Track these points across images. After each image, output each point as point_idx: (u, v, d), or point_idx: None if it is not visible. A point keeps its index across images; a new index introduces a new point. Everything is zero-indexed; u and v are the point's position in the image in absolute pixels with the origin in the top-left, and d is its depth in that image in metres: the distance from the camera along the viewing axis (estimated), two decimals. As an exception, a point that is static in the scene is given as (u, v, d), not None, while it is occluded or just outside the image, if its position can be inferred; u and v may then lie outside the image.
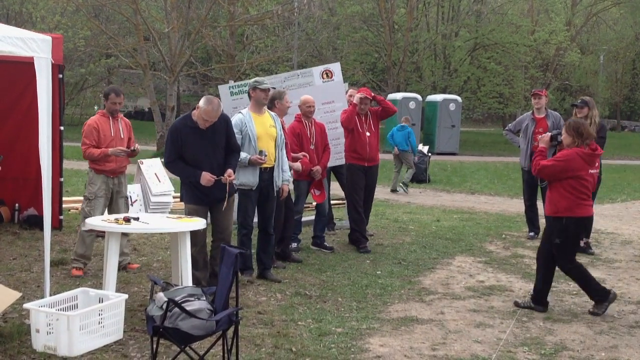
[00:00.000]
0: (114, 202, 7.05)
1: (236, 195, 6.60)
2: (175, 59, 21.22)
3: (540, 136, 6.72)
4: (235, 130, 6.49)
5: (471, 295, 6.63)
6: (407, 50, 33.42)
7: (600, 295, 6.07)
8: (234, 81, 10.54)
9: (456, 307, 6.23)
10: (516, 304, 6.24)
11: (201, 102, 5.93)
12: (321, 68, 9.33)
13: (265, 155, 6.57)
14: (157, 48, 21.89)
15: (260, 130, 6.68)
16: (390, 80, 33.50)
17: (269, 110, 6.98)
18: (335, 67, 9.30)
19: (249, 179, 6.60)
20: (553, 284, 7.06)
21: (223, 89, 9.21)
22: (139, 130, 36.97)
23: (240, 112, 6.85)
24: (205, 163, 6.07)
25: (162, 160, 9.97)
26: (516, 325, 5.73)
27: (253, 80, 6.96)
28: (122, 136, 7.03)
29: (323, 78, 9.14)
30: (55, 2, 24.48)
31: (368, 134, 8.48)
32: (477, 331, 5.56)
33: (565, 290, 6.90)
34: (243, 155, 6.53)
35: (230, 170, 6.13)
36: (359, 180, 8.51)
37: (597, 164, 6.24)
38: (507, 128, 9.86)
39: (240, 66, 25.75)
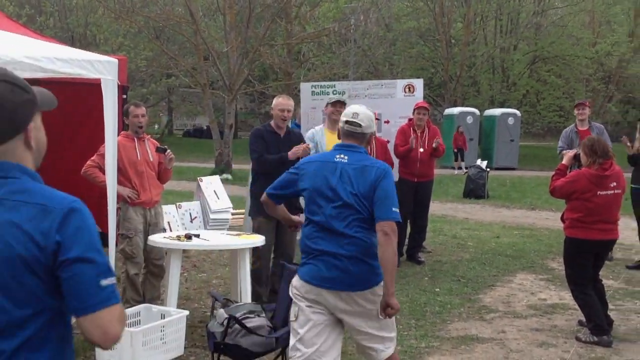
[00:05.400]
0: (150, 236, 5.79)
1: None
2: (234, 77, 21.54)
3: (564, 151, 6.34)
4: (310, 144, 6.62)
5: (533, 314, 6.50)
6: (464, 65, 33.19)
7: (599, 328, 5.62)
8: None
9: (518, 325, 6.12)
10: (580, 324, 6.07)
11: (273, 101, 6.42)
12: (405, 82, 9.37)
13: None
14: (216, 67, 22.27)
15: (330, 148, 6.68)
16: (447, 95, 33.29)
17: None
18: (418, 83, 9.33)
19: None
20: (618, 302, 6.89)
21: (305, 87, 9.32)
22: (197, 147, 37.37)
23: (313, 128, 6.94)
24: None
25: (218, 175, 9.98)
26: (580, 344, 5.59)
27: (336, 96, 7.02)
28: (150, 158, 6.04)
29: (405, 92, 9.15)
30: (119, 24, 25.19)
31: (421, 150, 8.44)
32: (540, 351, 5.44)
33: (631, 309, 6.69)
34: None
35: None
36: (406, 195, 8.39)
37: (613, 184, 5.57)
38: (560, 147, 8.95)
39: (297, 83, 26.00)
